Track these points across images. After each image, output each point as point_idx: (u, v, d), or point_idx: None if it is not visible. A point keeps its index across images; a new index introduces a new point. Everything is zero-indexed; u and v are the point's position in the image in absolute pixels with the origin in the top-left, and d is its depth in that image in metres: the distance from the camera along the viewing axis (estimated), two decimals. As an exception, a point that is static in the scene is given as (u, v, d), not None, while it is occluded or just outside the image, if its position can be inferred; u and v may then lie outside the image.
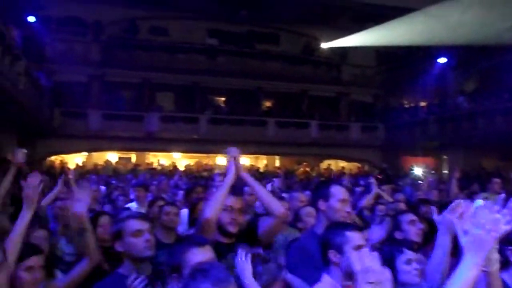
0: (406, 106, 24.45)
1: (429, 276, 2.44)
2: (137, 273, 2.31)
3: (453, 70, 20.09)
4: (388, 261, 2.50)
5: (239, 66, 22.43)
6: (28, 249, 2.56)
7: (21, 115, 13.49)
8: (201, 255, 2.12)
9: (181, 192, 7.21)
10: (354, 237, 2.32)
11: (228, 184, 3.01)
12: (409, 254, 2.57)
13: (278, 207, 3.03)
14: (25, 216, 2.59)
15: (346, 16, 22.03)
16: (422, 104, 22.85)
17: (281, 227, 3.26)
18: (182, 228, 4.57)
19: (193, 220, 4.56)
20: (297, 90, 23.90)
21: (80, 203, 2.78)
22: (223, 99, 24.67)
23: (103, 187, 8.30)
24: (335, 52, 24.14)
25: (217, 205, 2.91)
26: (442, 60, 19.93)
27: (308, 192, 5.38)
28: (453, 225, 2.22)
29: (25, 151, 4.50)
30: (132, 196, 6.97)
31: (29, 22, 17.34)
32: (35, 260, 2.51)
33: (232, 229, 2.97)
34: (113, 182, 10.79)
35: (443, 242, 2.39)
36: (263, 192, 3.11)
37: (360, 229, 2.46)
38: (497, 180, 7.35)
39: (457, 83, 20.32)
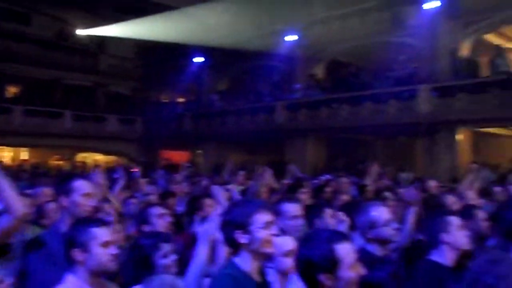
0: (165, 101, 25.02)
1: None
2: None
3: (208, 70, 21.31)
4: (146, 259, 2.46)
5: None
6: None
7: None
8: None
9: None
10: (101, 233, 2.20)
11: None
12: (165, 247, 2.51)
13: (20, 207, 2.59)
14: None
15: (105, 4, 21.28)
16: (180, 100, 23.73)
17: (19, 228, 2.85)
18: None
19: None
20: (50, 77, 22.13)
21: None
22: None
23: None
24: (92, 40, 23.10)
25: None
26: (199, 59, 20.94)
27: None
28: (213, 235, 2.31)
29: None
30: None
31: None
32: None
33: None
34: None
35: (202, 253, 2.37)
36: (7, 187, 2.56)
37: (107, 224, 2.32)
38: (242, 172, 8.05)
39: (211, 82, 21.64)
